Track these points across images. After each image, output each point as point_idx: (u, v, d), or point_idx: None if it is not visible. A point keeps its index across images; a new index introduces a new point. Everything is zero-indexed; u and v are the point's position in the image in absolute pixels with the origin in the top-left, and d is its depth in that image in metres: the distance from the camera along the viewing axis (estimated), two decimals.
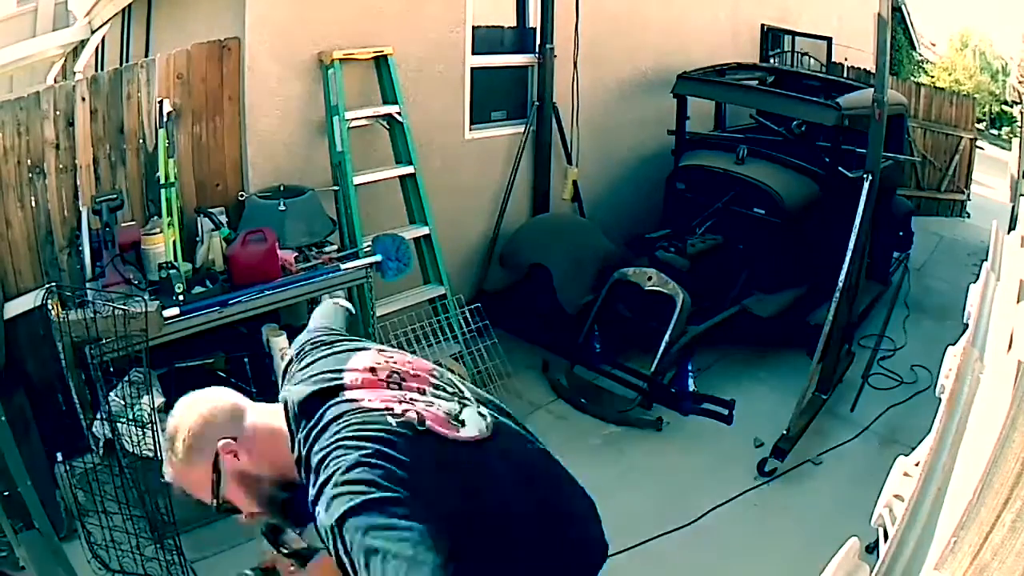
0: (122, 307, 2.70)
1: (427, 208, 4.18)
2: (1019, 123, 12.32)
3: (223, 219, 3.54)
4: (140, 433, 2.81)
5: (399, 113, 4.05)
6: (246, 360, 3.32)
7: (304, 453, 1.25)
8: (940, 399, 1.81)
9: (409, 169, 4.13)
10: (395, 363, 1.43)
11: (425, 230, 4.20)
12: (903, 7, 14.01)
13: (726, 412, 3.89)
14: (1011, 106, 19.09)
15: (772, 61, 7.31)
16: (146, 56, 4.38)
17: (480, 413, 1.39)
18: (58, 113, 3.13)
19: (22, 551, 2.66)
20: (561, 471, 1.51)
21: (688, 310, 4.18)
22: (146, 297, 2.92)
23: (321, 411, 1.27)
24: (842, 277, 4.00)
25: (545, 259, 4.61)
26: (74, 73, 6.49)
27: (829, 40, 8.35)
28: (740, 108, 6.04)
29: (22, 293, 3.15)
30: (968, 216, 9.31)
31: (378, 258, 3.68)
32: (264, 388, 3.32)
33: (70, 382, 2.91)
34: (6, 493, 2.66)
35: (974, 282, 2.58)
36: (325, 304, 1.99)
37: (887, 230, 5.62)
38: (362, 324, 3.77)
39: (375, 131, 4.15)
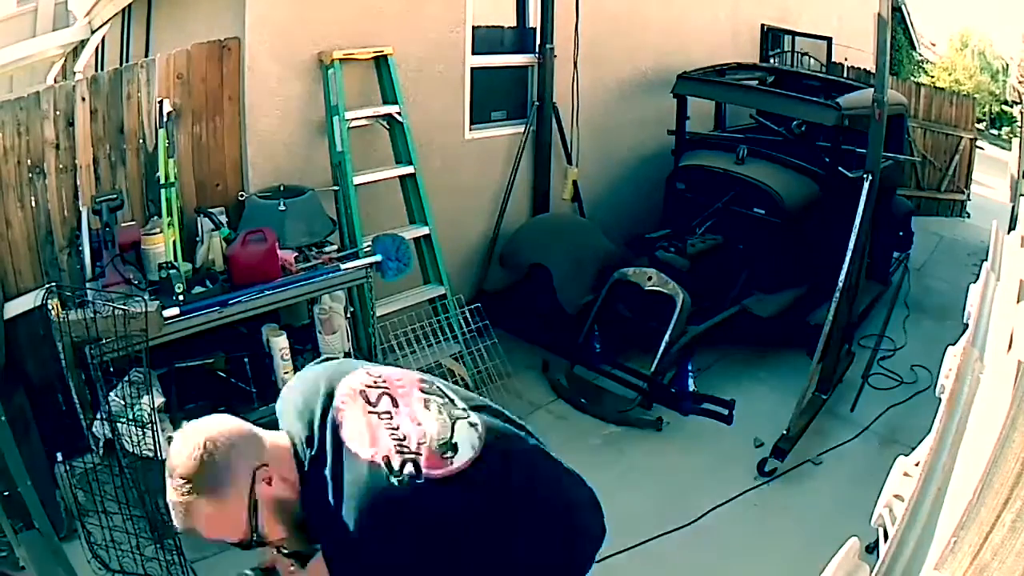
0: (122, 307, 2.70)
1: (427, 208, 4.18)
2: (1019, 123, 12.33)
3: (223, 219, 3.54)
4: (140, 433, 2.81)
5: (399, 113, 4.05)
6: (246, 360, 3.32)
7: (312, 485, 1.32)
8: (940, 399, 1.81)
9: (409, 169, 4.13)
10: (384, 382, 1.44)
11: (425, 230, 4.20)
12: (903, 7, 14.01)
13: (726, 412, 3.89)
14: (1011, 106, 19.11)
15: (772, 61, 7.31)
16: (146, 56, 4.38)
17: (471, 424, 1.42)
18: (58, 113, 3.13)
19: (22, 551, 2.66)
20: (559, 464, 1.55)
21: (688, 310, 4.18)
22: (146, 297, 2.92)
23: (323, 445, 1.33)
24: (842, 277, 4.00)
25: (545, 259, 4.61)
26: (74, 73, 6.49)
27: (829, 40, 8.35)
28: (740, 108, 6.03)
29: (22, 293, 3.15)
30: (968, 216, 9.31)
31: (378, 258, 3.68)
32: (264, 388, 3.32)
33: (70, 382, 2.90)
34: (6, 493, 2.66)
35: (974, 282, 2.58)
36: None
37: (887, 230, 5.62)
38: (362, 324, 3.78)
39: (375, 131, 4.15)
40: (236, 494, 1.26)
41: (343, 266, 3.51)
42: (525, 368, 4.53)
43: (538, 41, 4.99)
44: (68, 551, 2.79)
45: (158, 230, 3.21)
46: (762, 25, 7.23)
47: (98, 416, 2.90)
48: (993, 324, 2.21)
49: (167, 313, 2.92)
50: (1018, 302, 2.20)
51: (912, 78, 14.92)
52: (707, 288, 4.68)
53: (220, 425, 1.31)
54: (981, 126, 15.28)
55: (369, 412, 1.36)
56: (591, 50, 5.15)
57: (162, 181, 3.17)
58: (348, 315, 3.64)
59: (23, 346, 3.19)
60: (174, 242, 3.13)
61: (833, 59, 8.45)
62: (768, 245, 4.81)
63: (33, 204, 3.14)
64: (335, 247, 3.69)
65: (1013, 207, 5.72)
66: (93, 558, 2.83)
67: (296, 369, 3.41)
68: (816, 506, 3.51)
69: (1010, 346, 1.90)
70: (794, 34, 7.80)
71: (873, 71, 4.38)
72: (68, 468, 2.96)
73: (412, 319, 4.15)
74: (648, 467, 3.77)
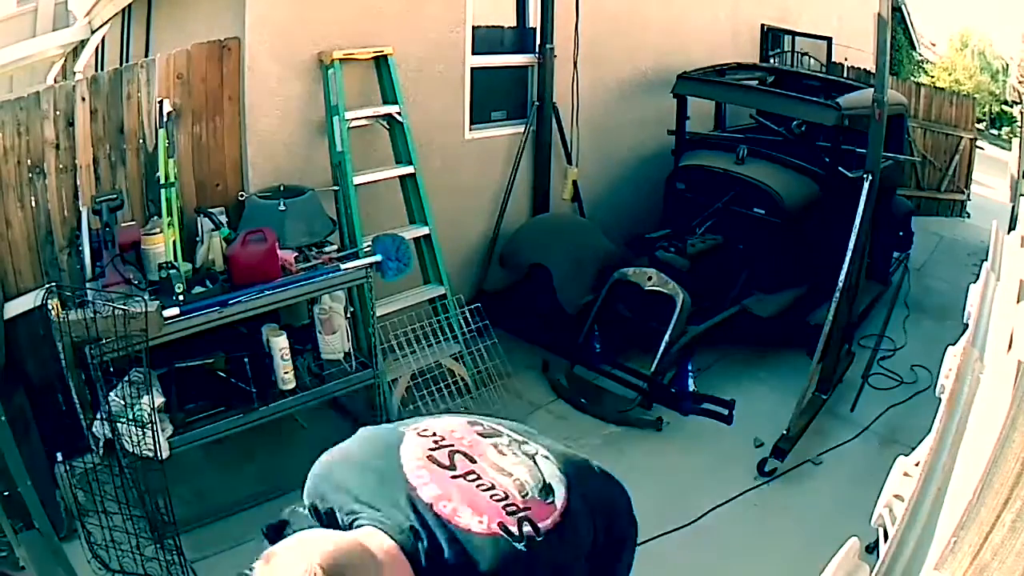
0: (122, 307, 2.70)
1: (427, 208, 4.18)
2: (1019, 123, 12.32)
3: (223, 219, 3.54)
4: (140, 433, 2.81)
5: (399, 113, 4.05)
6: (246, 360, 3.31)
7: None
8: (940, 399, 1.81)
9: (409, 169, 4.13)
10: (444, 440, 1.29)
11: (425, 230, 4.20)
12: (903, 7, 14.01)
13: (726, 412, 3.90)
14: (1011, 106, 19.10)
15: (772, 61, 7.30)
16: (146, 56, 4.38)
17: (545, 456, 1.35)
18: (58, 113, 3.13)
19: (22, 551, 2.67)
20: (608, 474, 1.61)
21: (688, 310, 4.18)
22: (146, 297, 2.91)
23: (430, 531, 1.15)
24: (842, 277, 4.00)
25: (545, 259, 4.61)
26: (74, 73, 6.49)
27: (829, 40, 8.35)
28: (740, 108, 6.03)
29: (22, 293, 3.16)
30: (968, 216, 9.31)
31: (378, 258, 3.68)
32: (264, 388, 3.32)
33: (70, 382, 2.91)
34: (6, 493, 2.66)
35: (974, 282, 2.58)
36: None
37: (887, 230, 5.61)
38: (362, 324, 3.78)
39: (375, 131, 4.15)
40: None
41: (343, 266, 3.51)
42: (525, 368, 4.53)
43: (538, 41, 4.99)
44: (68, 551, 2.80)
45: (158, 230, 3.21)
46: (762, 25, 7.23)
47: (98, 416, 2.90)
48: (993, 324, 2.21)
49: (167, 313, 2.92)
50: (1018, 302, 2.20)
51: (912, 78, 14.92)
52: (707, 288, 4.68)
53: (320, 539, 1.08)
54: (981, 126, 15.27)
55: (452, 478, 1.23)
56: (591, 50, 5.15)
57: (162, 181, 3.17)
58: (348, 315, 3.64)
59: (23, 346, 3.19)
60: (174, 242, 3.13)
61: (833, 59, 8.44)
62: (768, 245, 4.81)
63: (33, 204, 3.14)
64: (335, 247, 3.69)
65: (1013, 207, 5.72)
66: (93, 558, 2.84)
67: (296, 369, 3.42)
68: (816, 506, 3.51)
69: (1010, 346, 1.90)
70: (794, 34, 7.79)
71: (873, 71, 4.38)
72: (68, 468, 2.96)
73: (412, 319, 4.15)
74: (648, 467, 3.76)
